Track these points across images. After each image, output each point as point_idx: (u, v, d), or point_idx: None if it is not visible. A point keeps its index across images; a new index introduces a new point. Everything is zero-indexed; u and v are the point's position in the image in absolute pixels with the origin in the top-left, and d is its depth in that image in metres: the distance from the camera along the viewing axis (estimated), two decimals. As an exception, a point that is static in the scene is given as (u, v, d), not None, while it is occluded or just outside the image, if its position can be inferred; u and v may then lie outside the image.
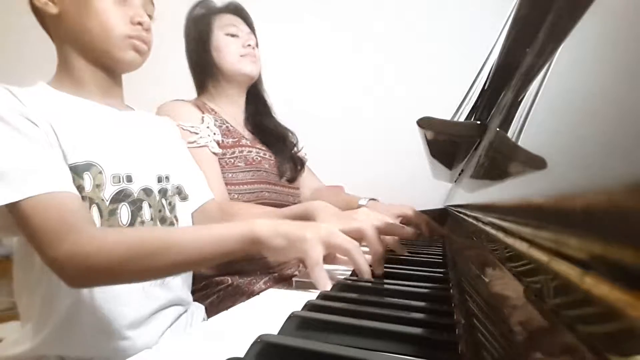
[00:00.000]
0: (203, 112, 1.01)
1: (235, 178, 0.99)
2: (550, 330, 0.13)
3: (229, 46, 1.05)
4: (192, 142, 0.93)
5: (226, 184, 0.97)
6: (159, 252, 0.50)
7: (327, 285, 0.46)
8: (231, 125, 1.05)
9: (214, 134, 0.98)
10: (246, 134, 1.09)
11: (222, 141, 1.00)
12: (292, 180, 1.13)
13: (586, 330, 0.11)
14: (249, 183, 1.00)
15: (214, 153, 0.97)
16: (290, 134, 1.19)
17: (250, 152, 1.04)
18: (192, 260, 0.53)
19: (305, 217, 0.73)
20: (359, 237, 0.58)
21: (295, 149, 1.19)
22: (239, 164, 1.00)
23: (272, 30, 2.13)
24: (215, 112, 1.05)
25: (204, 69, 1.07)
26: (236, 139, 1.03)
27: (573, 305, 0.12)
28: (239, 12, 1.10)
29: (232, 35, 1.06)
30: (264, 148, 1.09)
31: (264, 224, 0.52)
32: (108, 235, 0.52)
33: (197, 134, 0.95)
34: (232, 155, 1.00)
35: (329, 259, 0.54)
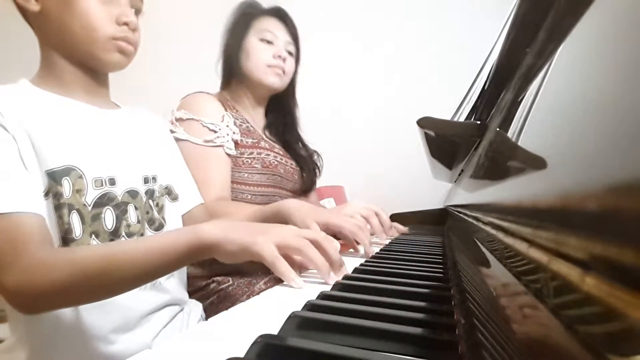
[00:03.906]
0: (226, 110, 1.00)
1: (250, 179, 0.99)
2: (550, 330, 0.13)
3: (259, 53, 1.02)
4: (209, 141, 0.93)
5: (241, 184, 0.98)
6: (107, 270, 0.49)
7: (293, 277, 0.46)
8: (251, 126, 1.05)
9: (233, 133, 0.98)
10: (265, 137, 1.09)
11: (241, 140, 0.99)
12: (305, 192, 1.15)
13: (586, 330, 0.11)
14: (264, 186, 1.01)
15: (228, 154, 0.96)
16: (315, 154, 1.19)
17: (268, 155, 1.04)
18: (142, 275, 0.52)
19: (279, 218, 0.72)
20: (336, 231, 0.60)
21: (318, 170, 1.19)
22: (256, 165, 1.00)
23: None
24: (237, 111, 1.04)
25: (231, 67, 1.06)
26: (256, 140, 1.03)
27: (573, 305, 0.12)
28: (283, 18, 1.07)
29: (267, 42, 1.03)
30: (281, 153, 1.09)
31: (212, 230, 0.50)
32: (54, 258, 0.49)
33: (215, 132, 0.94)
34: (250, 156, 1.00)
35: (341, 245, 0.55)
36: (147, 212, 0.67)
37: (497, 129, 0.44)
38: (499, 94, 0.61)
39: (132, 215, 0.63)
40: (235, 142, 0.98)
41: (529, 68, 0.38)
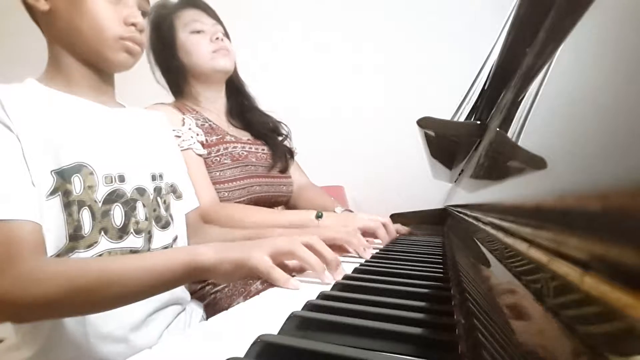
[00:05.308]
0: (184, 113, 0.99)
1: (223, 176, 0.98)
2: (550, 330, 0.13)
3: (198, 45, 1.01)
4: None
5: (215, 183, 0.96)
6: (100, 285, 0.49)
7: (286, 279, 0.46)
8: (214, 123, 1.03)
9: (197, 134, 0.97)
10: (230, 129, 1.07)
11: (206, 140, 0.98)
12: (283, 170, 1.12)
13: (586, 330, 0.11)
14: (238, 179, 0.99)
15: (199, 155, 0.95)
16: (280, 125, 1.17)
17: (236, 147, 1.03)
18: (135, 293, 0.51)
19: None
20: (329, 244, 0.59)
21: (288, 140, 1.18)
22: (226, 161, 0.99)
23: (271, 29, 2.14)
24: (196, 112, 1.03)
25: (176, 73, 1.04)
26: (220, 136, 1.02)
27: (573, 305, 0.12)
28: (198, 4, 1.05)
29: (198, 32, 1.02)
30: (249, 141, 1.08)
31: (208, 252, 0.50)
32: (47, 269, 0.49)
33: (179, 137, 0.94)
34: (218, 153, 0.99)
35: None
36: (155, 210, 0.67)
37: (497, 129, 0.44)
38: (499, 94, 0.61)
39: (140, 212, 0.64)
40: (201, 144, 0.97)
41: (529, 68, 0.38)
